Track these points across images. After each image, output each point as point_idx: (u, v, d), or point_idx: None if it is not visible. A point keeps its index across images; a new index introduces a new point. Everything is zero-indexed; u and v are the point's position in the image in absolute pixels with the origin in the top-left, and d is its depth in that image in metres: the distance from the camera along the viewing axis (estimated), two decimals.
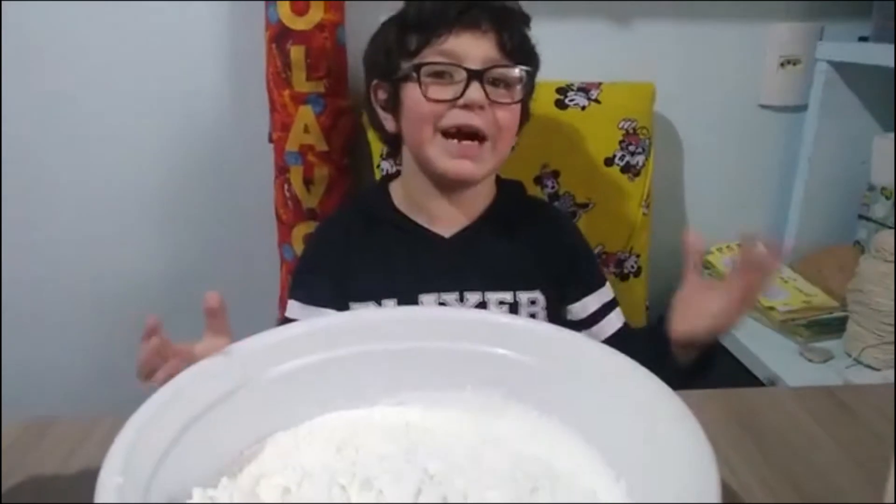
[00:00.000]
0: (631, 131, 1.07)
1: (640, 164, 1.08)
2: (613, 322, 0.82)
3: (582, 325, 0.81)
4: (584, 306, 0.82)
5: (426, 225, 0.81)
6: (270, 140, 1.08)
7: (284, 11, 0.98)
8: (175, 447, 0.41)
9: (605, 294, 0.84)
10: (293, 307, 0.82)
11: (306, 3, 0.98)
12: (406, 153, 0.81)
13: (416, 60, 0.75)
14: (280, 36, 0.99)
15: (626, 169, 1.08)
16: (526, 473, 0.47)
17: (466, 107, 0.73)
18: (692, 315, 0.66)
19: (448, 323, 0.54)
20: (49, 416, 0.58)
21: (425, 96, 0.73)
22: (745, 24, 1.20)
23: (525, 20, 0.79)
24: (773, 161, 1.27)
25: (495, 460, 0.48)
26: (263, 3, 1.01)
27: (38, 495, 0.50)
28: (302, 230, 1.09)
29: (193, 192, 1.19)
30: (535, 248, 0.82)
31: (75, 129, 1.16)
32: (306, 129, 1.04)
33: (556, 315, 0.80)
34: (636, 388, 0.45)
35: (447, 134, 0.74)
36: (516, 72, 0.76)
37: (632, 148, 1.07)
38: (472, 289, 0.78)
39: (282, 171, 1.07)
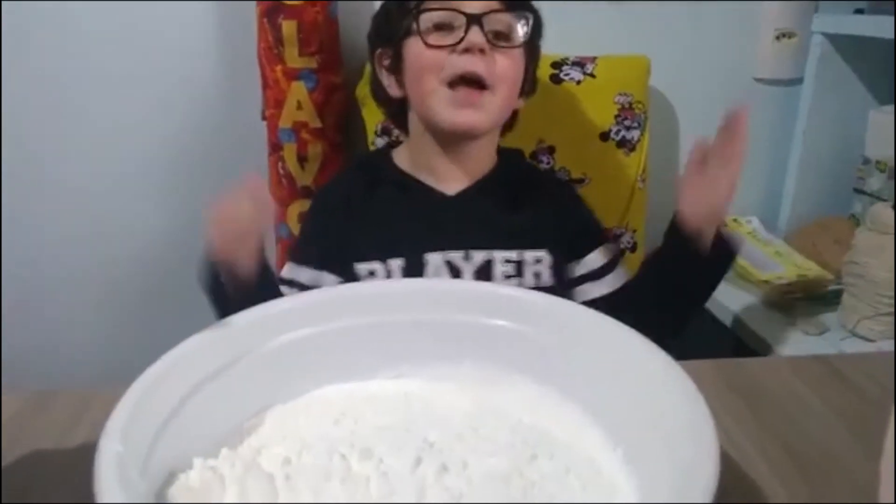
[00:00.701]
0: (626, 105, 1.07)
1: (636, 138, 1.08)
2: (621, 275, 0.83)
3: (589, 278, 0.82)
4: (590, 261, 0.82)
5: (430, 183, 0.81)
6: (263, 117, 1.07)
7: None
8: (174, 418, 0.41)
9: (611, 249, 0.84)
10: (289, 269, 0.81)
11: None
12: (412, 117, 0.82)
13: (416, 10, 0.75)
14: (271, 10, 0.98)
15: (621, 144, 1.07)
16: (525, 441, 0.47)
17: (467, 51, 0.73)
18: (695, 198, 0.70)
19: (447, 295, 0.54)
20: (48, 390, 0.58)
21: (426, 43, 0.74)
22: None
23: None
24: (768, 134, 1.27)
25: (494, 429, 0.49)
26: None
27: (38, 468, 0.50)
28: (296, 208, 1.08)
29: (188, 170, 1.18)
30: (538, 209, 0.82)
31: (70, 109, 1.15)
32: (299, 106, 1.03)
33: (562, 273, 0.80)
34: (635, 358, 0.45)
35: (450, 85, 0.75)
36: (516, 17, 0.76)
37: (627, 122, 1.07)
38: (478, 247, 0.78)
39: (275, 148, 1.06)
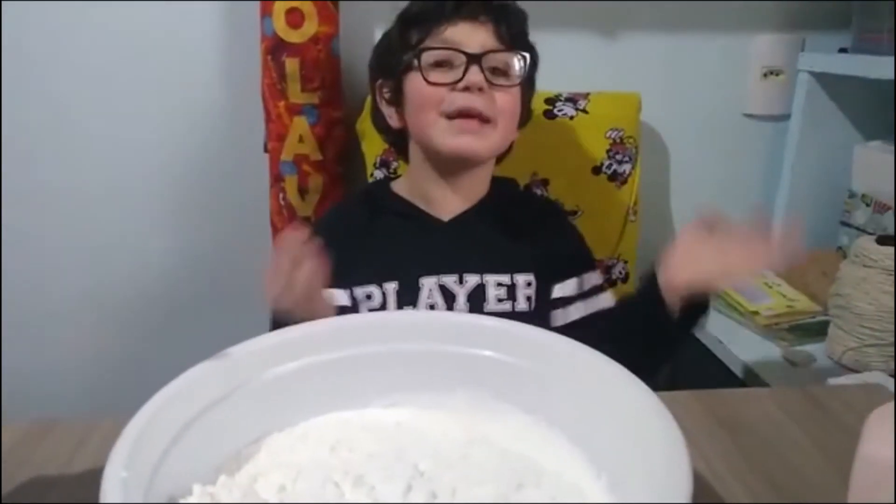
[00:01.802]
0: (618, 140, 1.10)
1: (627, 172, 1.11)
2: (603, 302, 0.84)
3: (570, 301, 0.83)
4: (572, 285, 0.84)
5: (426, 209, 0.84)
6: (266, 150, 1.10)
7: (280, 24, 1.01)
8: (175, 445, 0.43)
9: (594, 278, 0.86)
10: None
11: (301, 15, 1.01)
12: (412, 146, 0.84)
13: (417, 49, 0.78)
14: (275, 48, 1.02)
15: (613, 177, 1.10)
16: (512, 470, 0.49)
17: (467, 89, 0.76)
18: (691, 264, 0.68)
19: (438, 326, 0.56)
20: (51, 418, 0.59)
21: (427, 80, 0.77)
22: (728, 35, 1.23)
23: (522, 16, 0.83)
24: (757, 169, 1.31)
25: (483, 458, 0.51)
26: (258, 15, 1.03)
27: (40, 496, 0.51)
28: None
29: (190, 199, 1.21)
30: (529, 233, 0.85)
31: (74, 135, 1.18)
32: (301, 140, 1.06)
33: (545, 296, 0.82)
34: (619, 390, 0.47)
35: (449, 117, 0.77)
36: (514, 57, 0.79)
37: (619, 157, 1.10)
38: (471, 271, 0.80)
39: (277, 179, 1.09)
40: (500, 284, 0.80)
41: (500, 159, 0.87)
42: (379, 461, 0.49)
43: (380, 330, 0.56)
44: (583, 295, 0.84)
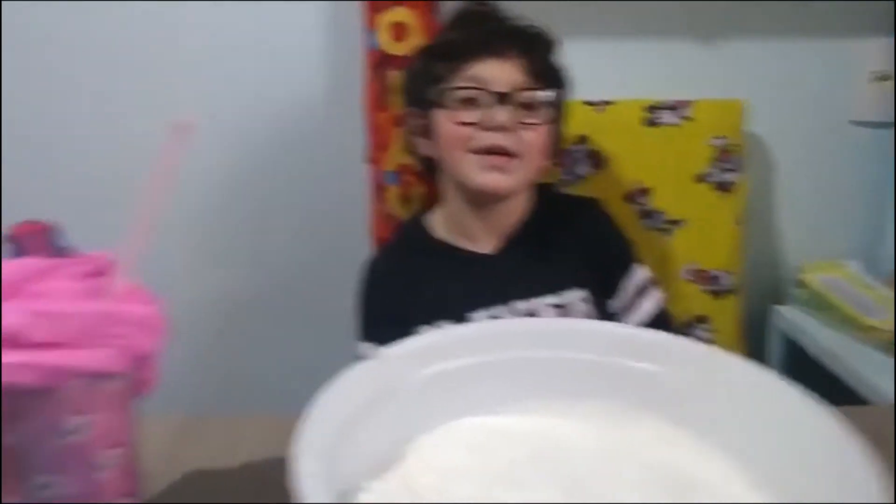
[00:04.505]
0: (723, 149, 1.07)
1: (734, 181, 1.08)
2: (656, 298, 0.83)
3: (626, 309, 0.83)
4: (623, 292, 0.83)
5: (466, 246, 0.85)
6: (367, 160, 1.12)
7: (384, 38, 1.03)
8: (339, 446, 0.44)
9: (639, 275, 0.84)
10: (363, 349, 0.86)
11: (405, 29, 1.02)
12: (444, 178, 0.85)
13: (444, 86, 0.78)
14: (380, 62, 1.04)
15: (719, 186, 1.08)
16: (662, 480, 0.48)
17: (493, 128, 0.76)
18: None
19: (583, 334, 0.56)
20: (198, 416, 0.62)
21: (454, 120, 0.78)
22: (835, 39, 1.19)
23: (551, 45, 0.82)
24: (866, 177, 1.25)
25: (630, 469, 0.50)
26: (362, 29, 1.05)
27: (199, 491, 0.53)
28: None
29: (290, 209, 1.24)
30: (573, 247, 0.84)
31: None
32: (403, 151, 1.07)
33: (603, 308, 0.81)
34: (776, 399, 0.46)
35: (477, 153, 0.78)
36: (542, 95, 0.78)
37: (724, 165, 1.07)
38: (520, 298, 0.80)
39: (379, 189, 1.11)
40: (552, 306, 0.79)
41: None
42: (524, 468, 0.49)
43: (523, 336, 0.56)
44: (638, 294, 0.83)
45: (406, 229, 0.94)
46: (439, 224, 0.87)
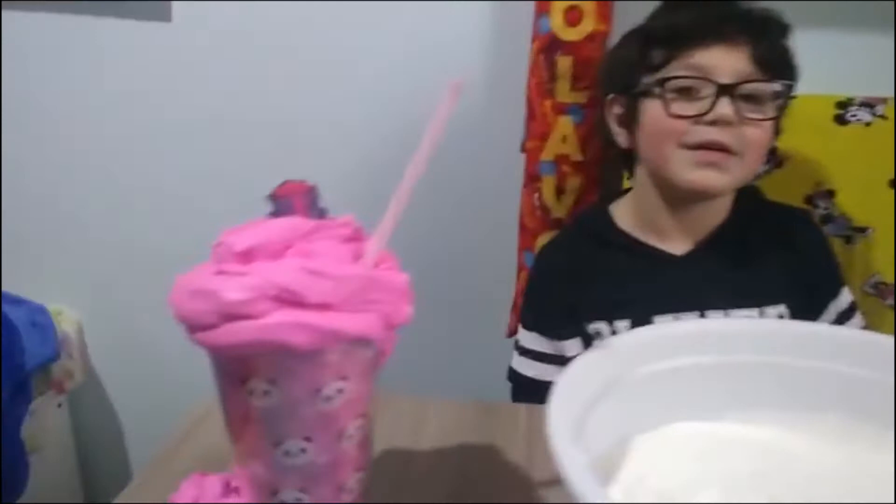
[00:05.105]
0: None
1: None
2: (857, 325, 0.77)
3: None
4: (826, 315, 0.78)
5: (657, 245, 0.79)
6: (522, 149, 1.09)
7: (556, 22, 0.99)
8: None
9: (844, 298, 0.79)
10: (528, 338, 0.83)
11: (579, 13, 0.99)
12: (640, 170, 0.79)
13: (661, 75, 0.73)
14: (549, 47, 1.01)
15: None
16: None
17: (713, 123, 0.69)
18: None
19: (814, 339, 0.51)
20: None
21: (668, 112, 0.71)
22: None
23: (784, 30, 0.74)
24: None
25: (879, 496, 0.44)
26: (533, 14, 1.03)
27: (394, 467, 0.52)
28: (545, 239, 1.09)
29: (441, 196, 1.23)
30: (776, 260, 0.77)
31: (333, 128, 1.23)
32: (564, 140, 1.04)
33: None
34: None
35: (690, 148, 0.72)
36: (772, 87, 0.71)
37: None
38: (713, 307, 0.74)
39: (533, 179, 1.08)
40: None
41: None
42: (757, 480, 0.45)
43: (745, 338, 0.52)
44: (840, 319, 0.77)
45: (586, 219, 0.90)
46: (625, 217, 0.82)
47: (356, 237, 0.38)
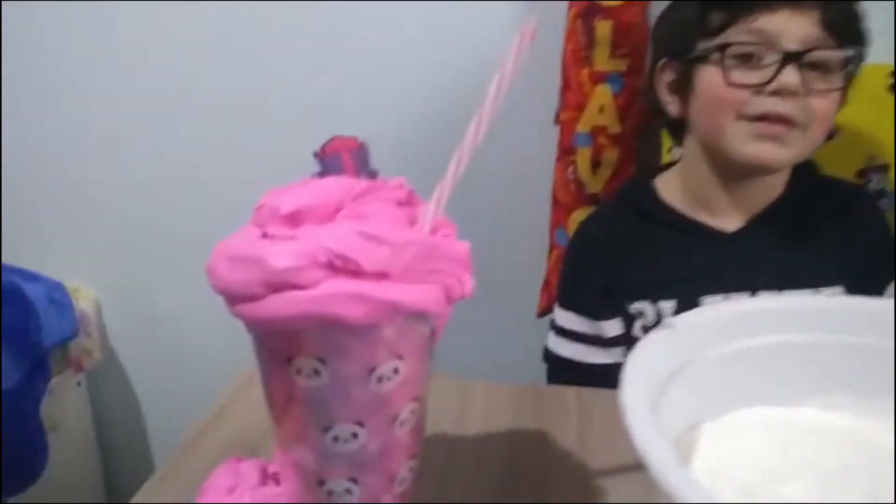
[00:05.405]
0: None
1: None
2: None
3: None
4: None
5: (705, 221, 0.74)
6: (556, 121, 1.05)
7: None
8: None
9: None
10: (564, 317, 0.80)
11: None
12: (690, 141, 0.75)
13: (720, 40, 0.68)
14: (587, 11, 0.96)
15: None
16: None
17: (776, 93, 0.64)
18: None
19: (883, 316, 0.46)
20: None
21: (727, 81, 0.66)
22: None
23: None
24: None
25: None
26: None
27: (440, 453, 0.49)
28: (580, 215, 1.04)
29: (467, 169, 1.19)
30: (834, 239, 0.73)
31: (368, 99, 1.18)
32: (601, 110, 0.99)
33: None
34: None
35: (750, 119, 0.67)
36: (841, 54, 0.66)
37: None
38: (765, 287, 0.70)
39: (567, 152, 1.03)
40: None
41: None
42: (851, 475, 0.41)
43: (819, 315, 0.47)
44: None
45: (628, 192, 0.85)
46: (671, 191, 0.78)
47: (410, 201, 0.34)
